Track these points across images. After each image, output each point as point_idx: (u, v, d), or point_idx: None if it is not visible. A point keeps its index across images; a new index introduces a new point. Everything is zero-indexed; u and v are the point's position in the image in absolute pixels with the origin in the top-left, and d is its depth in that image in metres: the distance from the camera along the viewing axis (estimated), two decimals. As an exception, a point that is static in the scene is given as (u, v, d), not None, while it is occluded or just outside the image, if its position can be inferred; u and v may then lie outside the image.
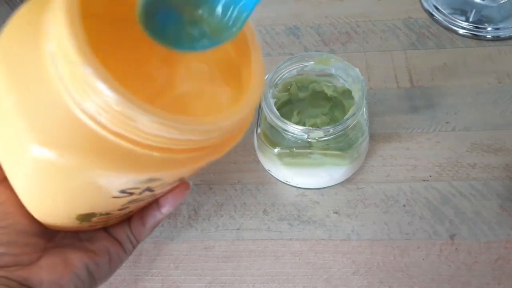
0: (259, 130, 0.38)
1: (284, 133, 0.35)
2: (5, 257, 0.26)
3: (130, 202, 0.26)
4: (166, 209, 0.32)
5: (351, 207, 0.39)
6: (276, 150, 0.36)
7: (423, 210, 0.38)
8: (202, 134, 0.21)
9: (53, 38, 0.19)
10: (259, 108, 0.38)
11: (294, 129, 0.34)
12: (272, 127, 0.36)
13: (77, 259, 0.28)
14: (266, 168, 0.41)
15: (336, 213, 0.39)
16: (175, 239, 0.39)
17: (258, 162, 0.42)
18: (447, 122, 0.43)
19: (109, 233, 0.32)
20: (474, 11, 0.50)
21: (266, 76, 0.37)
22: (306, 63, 0.38)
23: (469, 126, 0.42)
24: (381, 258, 0.36)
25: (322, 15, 0.52)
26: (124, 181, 0.22)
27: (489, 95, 0.44)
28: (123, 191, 0.23)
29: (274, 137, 0.37)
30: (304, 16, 0.52)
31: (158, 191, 0.27)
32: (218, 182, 0.42)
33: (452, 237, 0.37)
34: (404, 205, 0.39)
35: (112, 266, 0.31)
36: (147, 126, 0.19)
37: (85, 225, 0.29)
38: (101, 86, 0.18)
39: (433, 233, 0.37)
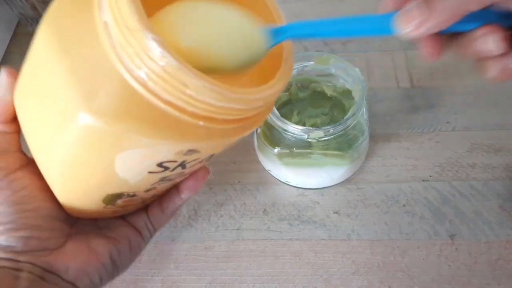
0: (259, 130, 0.38)
1: (284, 133, 0.35)
2: (32, 241, 0.26)
3: (160, 180, 0.26)
4: (185, 194, 0.32)
5: (351, 207, 0.39)
6: (276, 150, 0.36)
7: (423, 210, 0.38)
8: (246, 103, 0.22)
9: (108, 9, 0.20)
10: (259, 108, 0.38)
11: (294, 129, 0.34)
12: (272, 127, 0.36)
13: (101, 246, 0.28)
14: (266, 168, 0.41)
15: (336, 213, 0.39)
16: (175, 239, 0.39)
17: (258, 162, 0.42)
18: (447, 122, 0.43)
19: (126, 220, 0.31)
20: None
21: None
22: (306, 63, 0.38)
23: (469, 126, 0.42)
24: (381, 258, 0.36)
25: (322, 15, 0.52)
26: (166, 152, 0.23)
27: (490, 95, 0.44)
28: (160, 164, 0.24)
29: (274, 137, 0.37)
30: (304, 16, 0.52)
31: (187, 170, 0.27)
32: (218, 182, 0.42)
33: (452, 237, 0.37)
34: (404, 205, 0.39)
35: (133, 254, 0.31)
36: (198, 92, 0.20)
37: (108, 210, 0.29)
38: (160, 51, 0.19)
39: (433, 233, 0.37)
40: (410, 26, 0.20)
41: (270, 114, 0.35)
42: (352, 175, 0.40)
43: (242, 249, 0.38)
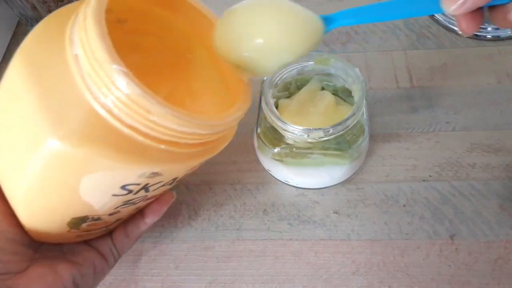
0: (259, 130, 0.38)
1: (284, 133, 0.35)
2: None
3: (124, 203, 0.27)
4: (150, 218, 0.33)
5: (351, 207, 0.39)
6: (276, 150, 0.36)
7: (423, 210, 0.38)
8: (207, 128, 0.24)
9: (80, 43, 0.21)
10: (259, 108, 0.38)
11: (294, 129, 0.34)
12: (272, 127, 0.36)
13: (64, 270, 0.29)
14: (266, 168, 0.41)
15: (336, 213, 0.39)
16: (175, 239, 0.39)
17: (258, 162, 0.42)
18: (447, 122, 0.43)
19: (91, 245, 0.32)
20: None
21: (266, 76, 0.37)
22: (306, 63, 0.38)
23: (469, 126, 0.42)
24: (381, 258, 0.36)
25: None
26: (129, 175, 0.24)
27: (489, 95, 0.44)
28: (124, 187, 0.25)
29: (274, 137, 0.37)
30: (304, 16, 0.52)
31: (150, 194, 0.28)
32: (218, 182, 0.42)
33: (452, 237, 0.37)
34: (404, 205, 0.39)
35: (96, 278, 0.31)
36: (161, 118, 0.21)
37: (72, 234, 0.30)
38: (126, 81, 0.20)
39: (433, 233, 0.37)
40: (455, 4, 0.22)
41: (270, 114, 0.35)
42: (352, 175, 0.40)
43: (242, 249, 0.38)
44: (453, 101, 0.44)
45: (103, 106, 0.21)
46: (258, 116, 0.38)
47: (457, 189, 0.39)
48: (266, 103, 0.35)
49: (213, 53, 0.29)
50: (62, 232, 0.29)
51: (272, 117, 0.35)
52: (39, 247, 0.30)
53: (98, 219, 0.28)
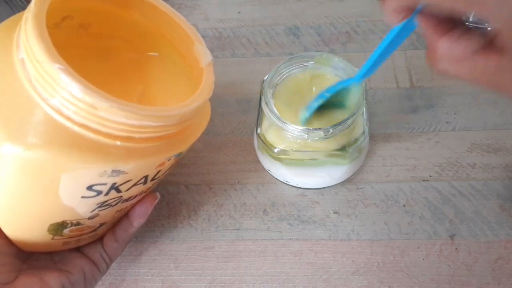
0: (259, 130, 0.38)
1: (284, 133, 0.35)
2: None
3: (98, 206, 0.27)
4: (136, 221, 0.33)
5: (351, 207, 0.39)
6: (276, 150, 0.36)
7: (423, 210, 0.38)
8: (159, 120, 0.23)
9: (24, 47, 0.21)
10: (259, 108, 0.38)
11: (294, 129, 0.34)
12: (272, 127, 0.36)
13: (52, 279, 0.29)
14: (266, 168, 0.41)
15: (336, 213, 0.39)
16: (175, 239, 0.39)
17: (258, 162, 0.42)
18: (447, 122, 0.43)
19: (82, 253, 0.32)
20: (474, 10, 0.50)
21: (266, 76, 0.37)
22: (306, 63, 0.38)
23: (469, 126, 0.42)
24: (381, 258, 0.36)
25: (322, 15, 0.52)
26: (90, 174, 0.23)
27: (489, 95, 0.44)
28: (90, 188, 0.24)
29: (274, 137, 0.37)
30: (304, 16, 0.52)
31: (125, 194, 0.28)
32: (218, 182, 0.42)
33: (452, 237, 0.37)
34: (404, 205, 0.39)
35: (87, 284, 0.31)
36: (108, 112, 0.21)
37: (58, 241, 0.30)
38: (67, 78, 0.20)
39: (433, 233, 0.37)
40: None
41: (270, 114, 0.35)
42: (352, 175, 0.40)
43: (242, 249, 0.38)
44: (453, 101, 0.44)
45: (52, 107, 0.21)
46: (258, 116, 0.38)
47: (457, 189, 0.39)
48: (266, 103, 0.35)
49: (178, 47, 0.29)
50: (46, 240, 0.29)
51: (272, 117, 0.35)
52: (27, 258, 0.30)
53: (78, 223, 0.28)
